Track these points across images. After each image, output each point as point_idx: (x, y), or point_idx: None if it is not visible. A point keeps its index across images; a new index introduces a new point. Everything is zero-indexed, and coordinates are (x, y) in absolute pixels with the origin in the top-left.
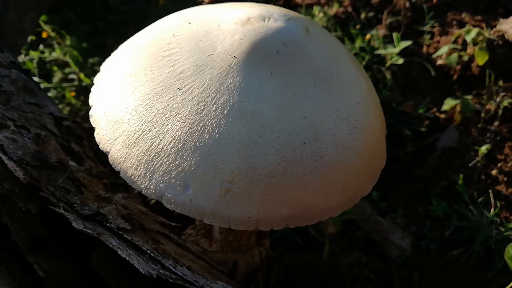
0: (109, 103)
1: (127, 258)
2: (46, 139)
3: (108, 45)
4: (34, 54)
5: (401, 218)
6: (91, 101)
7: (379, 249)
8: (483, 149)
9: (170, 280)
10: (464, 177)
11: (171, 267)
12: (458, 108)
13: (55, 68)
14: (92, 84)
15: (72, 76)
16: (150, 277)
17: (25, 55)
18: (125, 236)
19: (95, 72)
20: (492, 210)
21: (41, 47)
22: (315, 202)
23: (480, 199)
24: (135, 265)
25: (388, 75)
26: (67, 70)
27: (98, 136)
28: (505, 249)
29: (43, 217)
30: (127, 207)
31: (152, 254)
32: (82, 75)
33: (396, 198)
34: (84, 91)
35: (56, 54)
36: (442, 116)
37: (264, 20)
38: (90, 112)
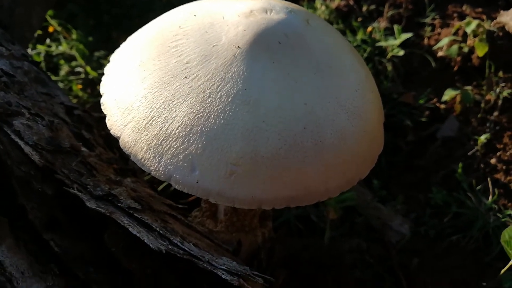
0: (120, 91)
1: (138, 235)
2: (59, 126)
3: (113, 38)
4: (41, 48)
5: (401, 205)
6: (102, 89)
7: (379, 235)
8: (483, 138)
9: (178, 255)
10: (464, 166)
11: (178, 243)
12: (458, 99)
13: (61, 61)
14: (98, 77)
15: (79, 69)
16: (159, 252)
17: (32, 49)
18: (135, 215)
19: (101, 65)
20: (490, 197)
21: (47, 41)
22: (314, 184)
23: (479, 187)
24: (145, 241)
25: (389, 67)
26: (73, 63)
27: (109, 122)
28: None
29: (58, 199)
30: (136, 190)
31: (161, 232)
32: (88, 68)
33: (397, 186)
34: (90, 84)
35: (63, 48)
36: (443, 106)
37: (266, 12)
38: (101, 100)
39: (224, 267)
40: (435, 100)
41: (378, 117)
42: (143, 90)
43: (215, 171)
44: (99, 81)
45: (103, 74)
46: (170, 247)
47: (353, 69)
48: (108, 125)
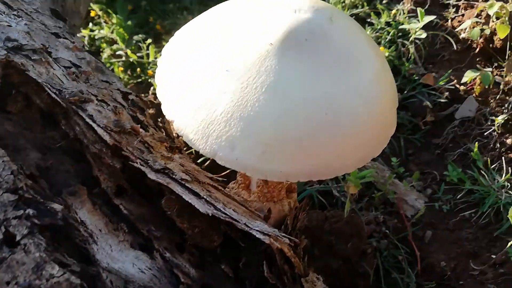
0: (172, 84)
1: (190, 201)
2: (120, 110)
3: (150, 23)
4: (85, 32)
5: (417, 182)
6: (156, 80)
7: (395, 209)
8: (500, 119)
9: (221, 218)
10: (480, 145)
11: (221, 209)
12: (478, 80)
13: (103, 45)
14: (137, 60)
15: (120, 52)
16: (206, 215)
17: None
18: (186, 185)
19: (139, 48)
20: (503, 175)
21: (90, 25)
22: (333, 162)
23: (493, 166)
24: (195, 206)
25: (411, 49)
26: (114, 47)
27: (164, 108)
28: None
29: (124, 171)
30: (183, 165)
31: (207, 199)
32: (128, 52)
33: (414, 164)
34: (130, 66)
35: (105, 31)
36: (462, 88)
37: (295, 12)
38: (157, 90)
39: (257, 229)
40: (455, 81)
41: (391, 103)
42: (192, 82)
43: (251, 150)
44: (138, 63)
45: (142, 57)
46: (215, 211)
47: (370, 61)
48: (163, 111)
